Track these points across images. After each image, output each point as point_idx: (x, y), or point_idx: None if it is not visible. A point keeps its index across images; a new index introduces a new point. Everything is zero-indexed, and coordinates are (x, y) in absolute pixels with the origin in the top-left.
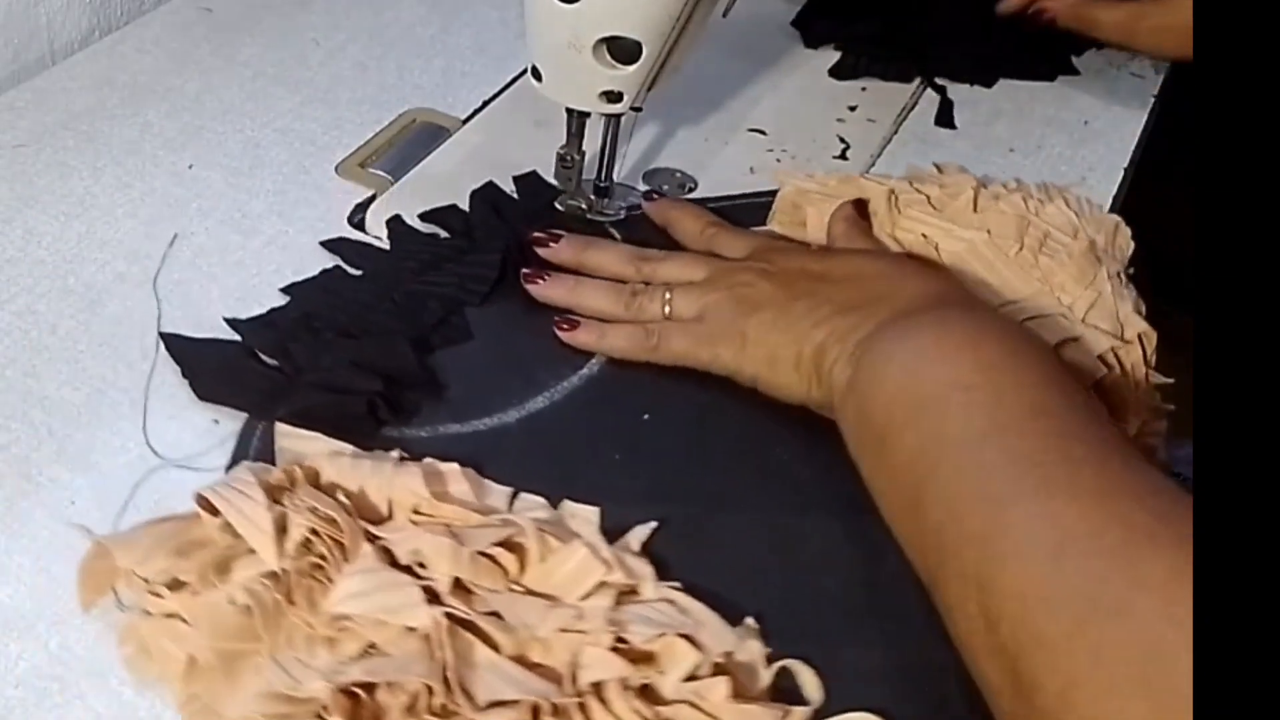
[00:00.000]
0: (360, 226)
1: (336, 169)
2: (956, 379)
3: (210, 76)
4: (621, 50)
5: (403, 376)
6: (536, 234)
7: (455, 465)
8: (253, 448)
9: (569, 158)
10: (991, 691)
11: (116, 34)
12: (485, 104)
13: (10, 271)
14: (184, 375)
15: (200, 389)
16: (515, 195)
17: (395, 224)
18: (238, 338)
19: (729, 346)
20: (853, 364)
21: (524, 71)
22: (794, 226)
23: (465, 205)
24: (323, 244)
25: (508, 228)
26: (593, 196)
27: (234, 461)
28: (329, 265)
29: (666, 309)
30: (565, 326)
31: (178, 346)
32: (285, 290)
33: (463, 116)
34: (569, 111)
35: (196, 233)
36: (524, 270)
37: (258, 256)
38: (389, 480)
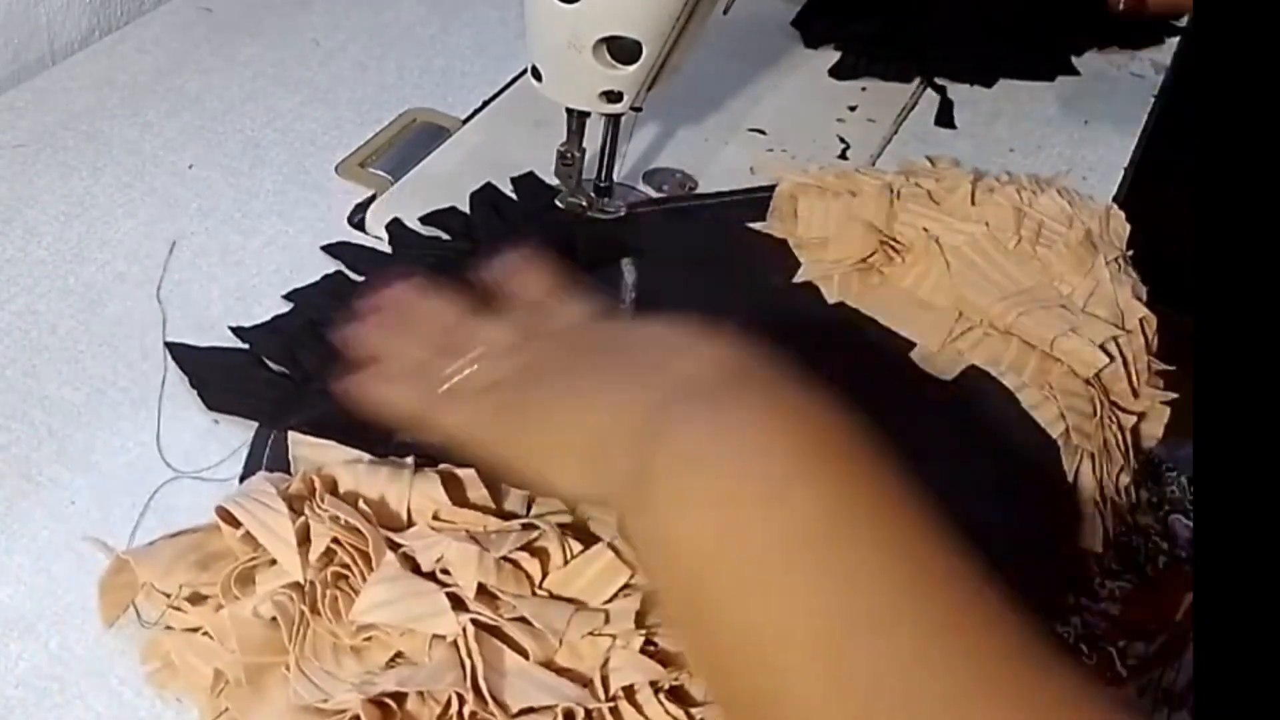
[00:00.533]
0: (360, 226)
1: (336, 169)
2: (783, 533)
3: (210, 76)
4: (621, 50)
5: None
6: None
7: (472, 470)
8: (265, 456)
9: (569, 155)
10: None
11: (116, 34)
12: (485, 104)
13: (10, 271)
14: (191, 385)
15: (209, 399)
16: (514, 196)
17: (395, 227)
18: (242, 345)
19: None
20: (641, 461)
21: (524, 71)
22: (790, 219)
23: (465, 206)
24: (324, 248)
25: (508, 228)
26: (593, 195)
27: (247, 471)
28: (330, 268)
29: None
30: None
31: (184, 356)
32: (288, 296)
33: (463, 116)
34: (569, 111)
35: (196, 233)
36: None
37: (258, 256)
38: (407, 487)
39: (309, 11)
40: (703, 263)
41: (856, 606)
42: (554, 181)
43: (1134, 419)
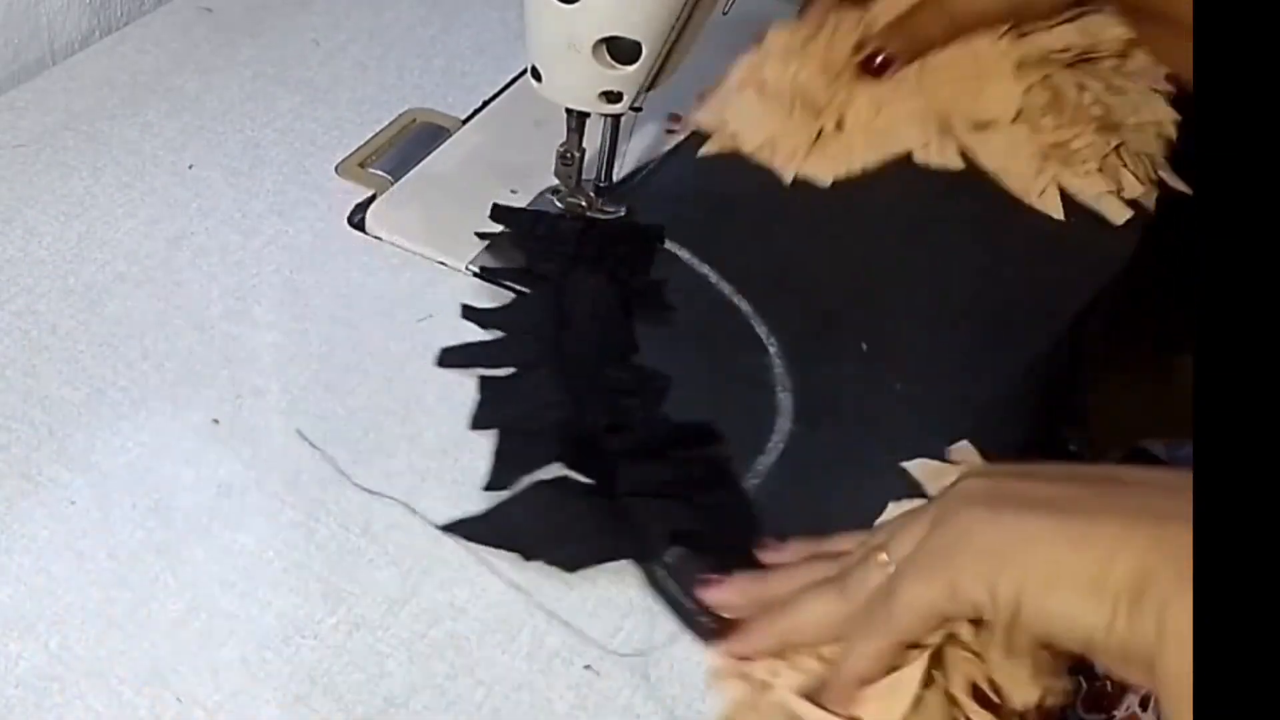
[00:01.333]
0: (360, 227)
1: (336, 169)
2: None
3: (210, 76)
4: (621, 50)
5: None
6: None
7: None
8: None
9: (569, 155)
10: None
11: (116, 34)
12: (485, 104)
13: (10, 271)
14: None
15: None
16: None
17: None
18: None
19: (976, 563)
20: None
21: (524, 71)
22: (728, 134)
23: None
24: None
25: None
26: (593, 195)
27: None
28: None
29: (884, 558)
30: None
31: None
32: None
33: (463, 116)
34: (569, 111)
35: (196, 233)
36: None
37: (258, 256)
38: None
39: (309, 11)
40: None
41: None
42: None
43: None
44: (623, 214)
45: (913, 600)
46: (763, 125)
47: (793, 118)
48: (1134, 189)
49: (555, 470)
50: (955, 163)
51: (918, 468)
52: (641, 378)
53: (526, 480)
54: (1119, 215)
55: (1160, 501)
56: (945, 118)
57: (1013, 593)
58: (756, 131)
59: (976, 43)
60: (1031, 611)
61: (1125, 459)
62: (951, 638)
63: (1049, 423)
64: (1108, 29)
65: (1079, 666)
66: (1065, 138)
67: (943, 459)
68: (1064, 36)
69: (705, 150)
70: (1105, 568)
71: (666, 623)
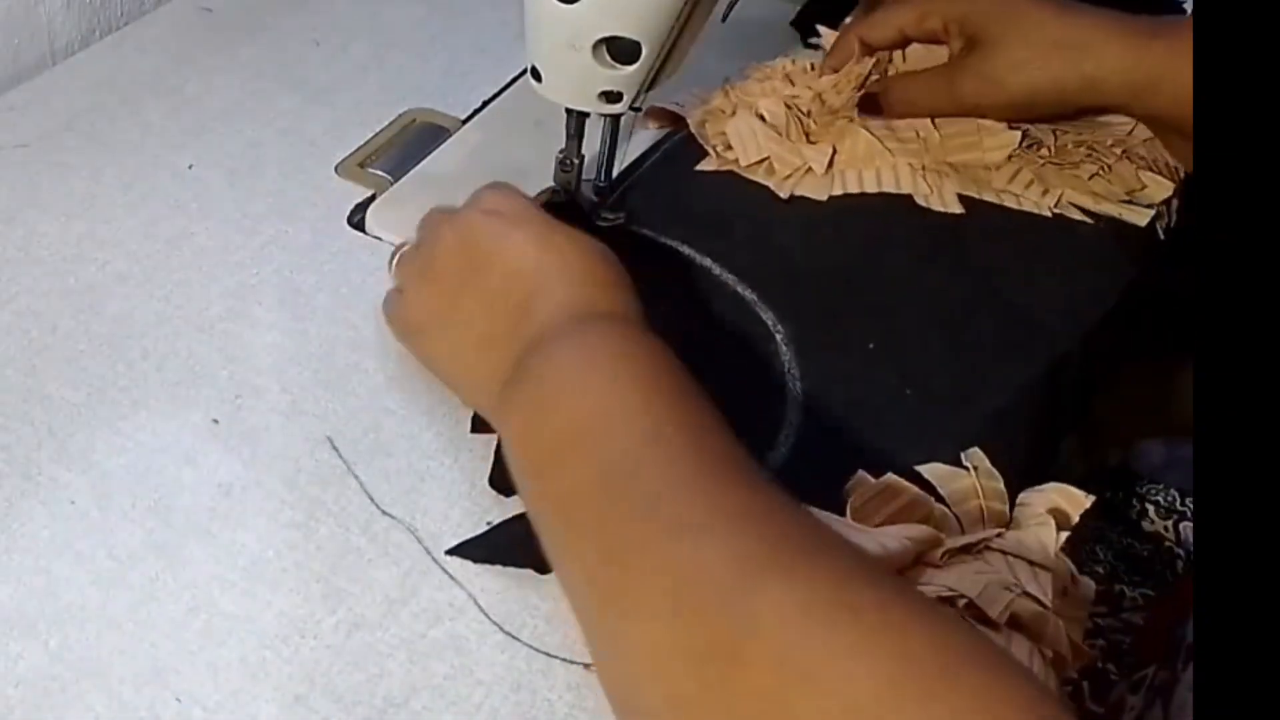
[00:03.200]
0: (360, 227)
1: (336, 169)
2: (569, 426)
3: (210, 76)
4: (621, 50)
5: None
6: None
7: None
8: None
9: (569, 160)
10: None
11: (116, 34)
12: (485, 104)
13: (10, 271)
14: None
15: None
16: None
17: None
18: None
19: (414, 341)
20: (501, 408)
21: (524, 71)
22: (726, 149)
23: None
24: None
25: None
26: (594, 199)
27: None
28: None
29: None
30: None
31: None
32: None
33: (463, 116)
34: (569, 112)
35: (196, 233)
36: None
37: (257, 256)
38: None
39: (309, 11)
40: (705, 214)
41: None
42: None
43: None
44: (621, 220)
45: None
46: (759, 145)
47: (787, 143)
48: (1155, 192)
49: None
50: (955, 207)
51: (930, 470)
52: None
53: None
54: (1141, 218)
55: (492, 315)
56: (943, 165)
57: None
58: (753, 150)
59: None
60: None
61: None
62: None
63: (1056, 429)
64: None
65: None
66: (1061, 156)
67: (957, 463)
68: None
69: (703, 166)
70: (461, 382)
71: None
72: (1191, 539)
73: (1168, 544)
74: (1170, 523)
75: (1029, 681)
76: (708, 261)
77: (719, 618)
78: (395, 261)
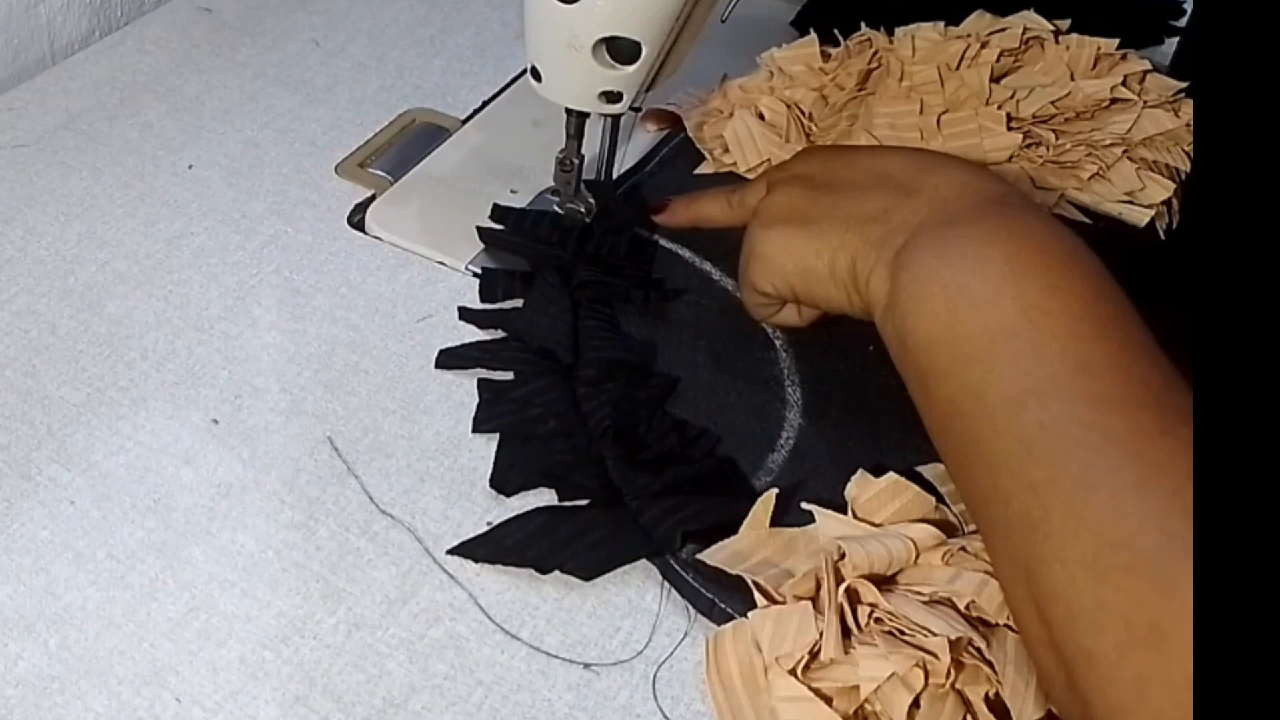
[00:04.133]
0: (360, 227)
1: (336, 169)
2: (997, 324)
3: (210, 76)
4: (621, 50)
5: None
6: (652, 203)
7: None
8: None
9: (568, 161)
10: (1044, 677)
11: (116, 34)
12: (485, 104)
13: (10, 271)
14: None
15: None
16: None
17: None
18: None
19: (760, 267)
20: (891, 278)
21: (524, 71)
22: (723, 152)
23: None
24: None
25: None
26: (593, 201)
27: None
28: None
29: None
30: (658, 208)
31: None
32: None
33: (463, 116)
34: (568, 112)
35: (196, 233)
36: (652, 207)
37: (257, 256)
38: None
39: (309, 11)
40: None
41: (1035, 380)
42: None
43: None
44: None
45: (746, 300)
46: (758, 149)
47: (788, 145)
48: (1155, 192)
49: (555, 488)
50: None
51: (931, 470)
52: (647, 378)
53: (528, 489)
54: (1141, 218)
55: (870, 204)
56: None
57: (786, 286)
58: (752, 154)
59: (972, 99)
60: (804, 297)
61: None
62: (965, 649)
63: None
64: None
65: None
66: (1061, 156)
67: None
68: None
69: (701, 170)
70: (832, 262)
71: (666, 622)
72: None
73: None
74: None
75: None
76: (707, 266)
77: (1139, 593)
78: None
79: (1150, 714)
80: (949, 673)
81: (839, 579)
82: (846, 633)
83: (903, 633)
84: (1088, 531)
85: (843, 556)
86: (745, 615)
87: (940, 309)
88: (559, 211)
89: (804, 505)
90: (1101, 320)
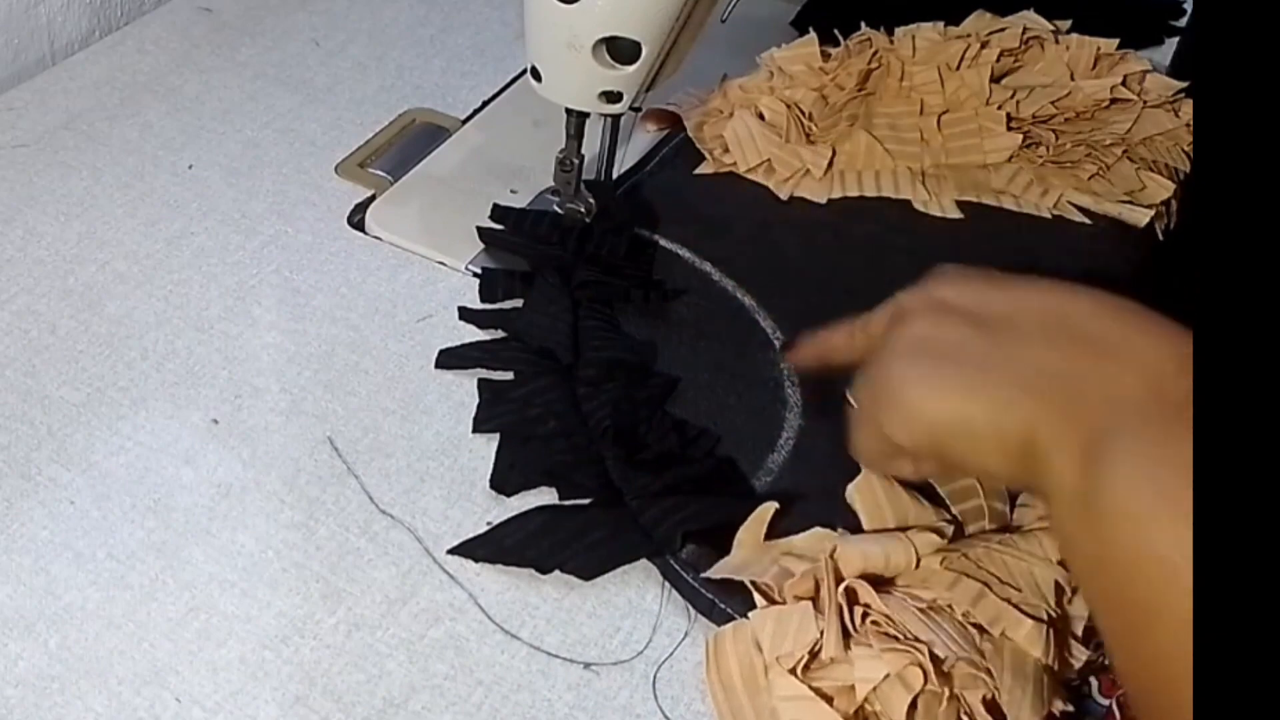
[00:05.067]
0: (360, 227)
1: (336, 169)
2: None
3: (210, 76)
4: (621, 50)
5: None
6: (784, 344)
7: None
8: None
9: (568, 161)
10: None
11: (116, 34)
12: (485, 104)
13: (10, 271)
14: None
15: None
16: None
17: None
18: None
19: (896, 411)
20: (1087, 467)
21: (524, 71)
22: (723, 152)
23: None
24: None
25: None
26: (593, 200)
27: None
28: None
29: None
30: (789, 347)
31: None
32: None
33: (463, 116)
34: (569, 112)
35: (196, 233)
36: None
37: (258, 256)
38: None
39: (309, 11)
40: (703, 217)
41: None
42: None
43: None
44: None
45: (857, 443)
46: (758, 149)
47: (788, 145)
48: (1155, 192)
49: (555, 488)
50: (954, 213)
51: None
52: (647, 378)
53: (528, 489)
54: (1140, 218)
55: (1052, 359)
56: (942, 168)
57: (929, 440)
58: (752, 154)
59: (972, 100)
60: (947, 454)
61: None
62: (964, 659)
63: None
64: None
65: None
66: (1061, 156)
67: None
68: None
69: (701, 170)
70: (999, 425)
71: (666, 622)
72: None
73: None
74: None
75: None
76: (707, 266)
77: None
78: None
79: None
80: (941, 679)
81: (838, 578)
82: (845, 633)
83: (898, 637)
84: None
85: (834, 551)
86: (745, 615)
87: (1168, 532)
88: (559, 211)
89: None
90: None
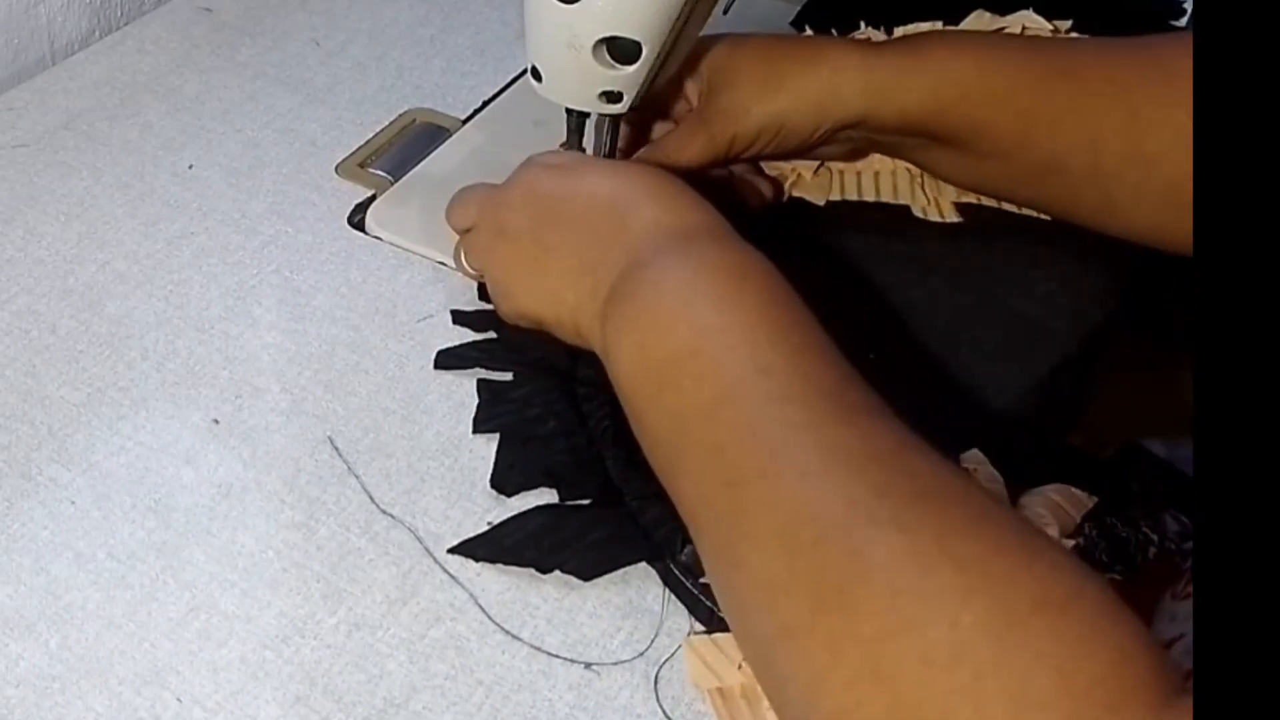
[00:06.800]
0: (360, 227)
1: (336, 169)
2: (679, 348)
3: (210, 76)
4: (621, 50)
5: None
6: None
7: None
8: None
9: None
10: (755, 675)
11: (116, 34)
12: (485, 104)
13: (10, 271)
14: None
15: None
16: None
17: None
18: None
19: (506, 306)
20: (602, 327)
21: (524, 71)
22: None
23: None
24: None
25: None
26: None
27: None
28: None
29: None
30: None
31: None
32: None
33: (463, 116)
34: (569, 112)
35: (196, 233)
36: None
37: (257, 256)
38: None
39: (309, 11)
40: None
41: (719, 389)
42: None
43: None
44: None
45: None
46: None
47: None
48: None
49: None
50: (953, 217)
51: None
52: None
53: (528, 489)
54: None
55: (584, 252)
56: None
57: (527, 323)
58: None
59: None
60: (544, 328)
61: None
62: None
63: (1056, 430)
64: None
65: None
66: None
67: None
68: None
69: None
70: (558, 317)
71: (668, 623)
72: (1168, 526)
73: (1144, 530)
74: (1150, 507)
75: (1132, 635)
76: None
77: (828, 560)
78: (461, 256)
79: (847, 674)
80: None
81: None
82: None
83: None
84: (778, 512)
85: None
86: None
87: (633, 347)
88: None
89: None
90: (777, 328)
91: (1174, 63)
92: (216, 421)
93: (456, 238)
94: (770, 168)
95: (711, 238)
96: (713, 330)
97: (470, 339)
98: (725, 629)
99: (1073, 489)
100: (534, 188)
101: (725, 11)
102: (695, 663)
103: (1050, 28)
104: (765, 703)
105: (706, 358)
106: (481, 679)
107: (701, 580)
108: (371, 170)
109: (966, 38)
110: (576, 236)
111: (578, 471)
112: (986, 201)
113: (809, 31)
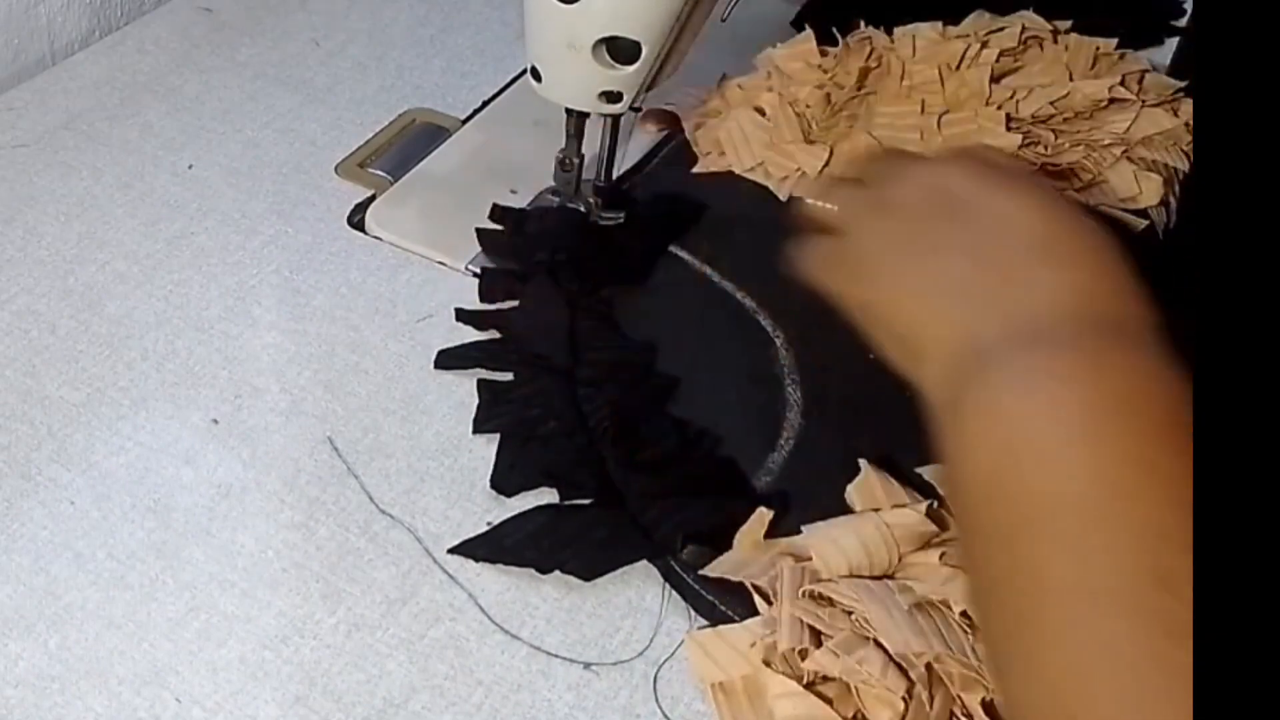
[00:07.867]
0: (360, 226)
1: (336, 169)
2: (1060, 492)
3: (210, 76)
4: (621, 50)
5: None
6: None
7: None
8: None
9: (568, 161)
10: None
11: (116, 34)
12: (485, 104)
13: (10, 271)
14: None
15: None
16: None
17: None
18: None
19: (839, 277)
20: (960, 385)
21: (524, 71)
22: (718, 152)
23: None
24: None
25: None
26: (592, 199)
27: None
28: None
29: None
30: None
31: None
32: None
33: (463, 116)
34: (569, 112)
35: (196, 233)
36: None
37: (257, 256)
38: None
39: (309, 11)
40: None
41: (1105, 582)
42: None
43: None
44: (621, 220)
45: (807, 264)
46: (756, 149)
47: (783, 146)
48: (1154, 193)
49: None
50: None
51: (931, 471)
52: (647, 378)
53: (528, 489)
54: (1140, 219)
55: (954, 270)
56: None
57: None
58: (747, 156)
59: (973, 99)
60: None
61: None
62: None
63: None
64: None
65: None
66: (1059, 156)
67: None
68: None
69: (699, 169)
70: (891, 321)
71: (667, 623)
72: None
73: None
74: None
75: None
76: (707, 267)
77: None
78: (827, 203)
79: None
80: (935, 681)
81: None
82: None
83: (879, 641)
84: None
85: (807, 560)
86: (744, 618)
87: (998, 451)
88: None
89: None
90: (1189, 511)
91: None
92: (216, 421)
93: (456, 238)
94: (772, 165)
95: (1119, 338)
96: (1111, 489)
97: (470, 339)
98: (727, 622)
99: None
100: (946, 177)
101: (724, 19)
102: (698, 655)
103: (1050, 28)
104: (767, 697)
105: (1094, 528)
106: (481, 679)
107: (701, 574)
108: (371, 170)
109: None
110: (975, 251)
111: (578, 471)
112: None
113: (809, 31)
